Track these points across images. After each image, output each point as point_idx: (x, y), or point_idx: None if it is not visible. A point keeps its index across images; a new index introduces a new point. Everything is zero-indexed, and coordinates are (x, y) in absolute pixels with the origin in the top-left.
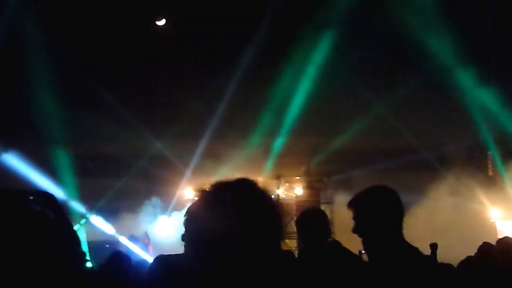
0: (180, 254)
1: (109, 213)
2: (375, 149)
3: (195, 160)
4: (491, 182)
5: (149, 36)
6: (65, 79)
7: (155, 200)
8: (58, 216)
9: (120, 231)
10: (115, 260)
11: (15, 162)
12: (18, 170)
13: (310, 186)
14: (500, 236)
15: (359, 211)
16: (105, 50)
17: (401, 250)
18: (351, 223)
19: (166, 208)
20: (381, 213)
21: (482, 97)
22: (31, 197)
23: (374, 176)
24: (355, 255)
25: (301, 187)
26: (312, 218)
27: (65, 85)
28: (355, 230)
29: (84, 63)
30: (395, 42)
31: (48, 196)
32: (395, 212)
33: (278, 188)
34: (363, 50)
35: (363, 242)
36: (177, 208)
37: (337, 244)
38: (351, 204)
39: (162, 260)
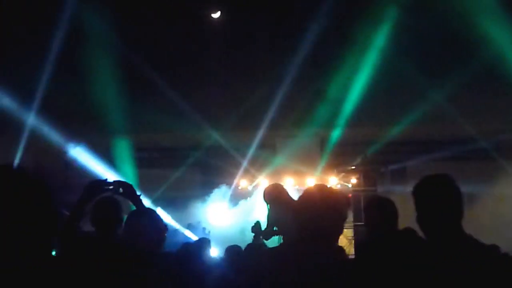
0: (251, 245)
1: (167, 203)
2: (432, 138)
3: (251, 150)
4: None
5: (206, 28)
6: (126, 70)
7: (222, 188)
8: (135, 204)
9: (177, 220)
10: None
11: (81, 154)
12: (82, 161)
13: (367, 176)
14: None
15: (419, 200)
16: (164, 42)
17: (462, 241)
18: (407, 214)
19: (221, 198)
20: (440, 202)
21: None
22: (110, 186)
23: (431, 165)
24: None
25: (357, 177)
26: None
27: (126, 77)
28: (418, 219)
29: (144, 54)
30: (453, 27)
31: (126, 185)
32: (455, 201)
33: (334, 178)
34: (421, 37)
35: (424, 233)
36: (234, 198)
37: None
38: (413, 193)
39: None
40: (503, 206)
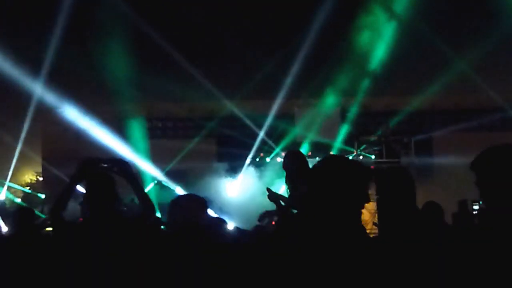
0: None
1: (180, 175)
2: (459, 108)
3: (268, 121)
4: None
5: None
6: (137, 38)
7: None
8: (131, 183)
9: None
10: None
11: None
12: (92, 133)
13: (389, 147)
14: None
15: (484, 174)
16: (176, 11)
17: None
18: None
19: (238, 170)
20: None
21: None
22: (105, 164)
23: (458, 136)
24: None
25: (380, 148)
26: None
27: (137, 47)
28: (481, 195)
29: (156, 23)
30: None
31: (121, 163)
32: None
33: (355, 149)
34: (446, 4)
35: (489, 210)
36: (251, 170)
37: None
38: (475, 166)
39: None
40: None
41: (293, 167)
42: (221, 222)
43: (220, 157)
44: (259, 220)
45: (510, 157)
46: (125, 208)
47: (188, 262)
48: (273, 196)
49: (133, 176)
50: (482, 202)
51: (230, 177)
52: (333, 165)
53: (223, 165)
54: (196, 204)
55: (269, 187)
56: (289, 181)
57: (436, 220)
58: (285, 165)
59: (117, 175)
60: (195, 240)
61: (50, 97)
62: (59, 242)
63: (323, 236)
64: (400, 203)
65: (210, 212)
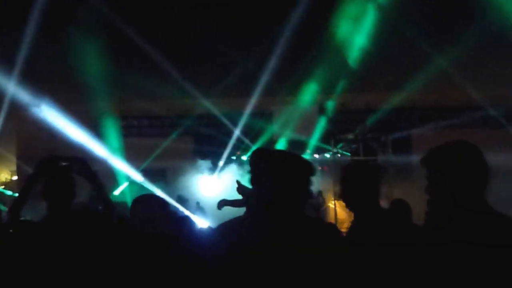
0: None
1: (157, 174)
2: (438, 105)
3: (245, 119)
4: None
5: None
6: (112, 34)
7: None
8: (91, 182)
9: (167, 192)
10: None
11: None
12: (64, 130)
13: (367, 145)
14: None
15: (435, 169)
16: (152, 6)
17: (483, 215)
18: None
19: (214, 168)
20: (463, 172)
21: None
22: (64, 163)
23: (436, 134)
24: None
25: (357, 146)
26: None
27: (113, 44)
28: (428, 190)
29: (131, 20)
30: None
31: (80, 162)
32: (480, 171)
33: (332, 146)
34: None
35: (434, 204)
36: (226, 167)
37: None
38: (425, 161)
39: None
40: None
41: (259, 165)
42: (184, 222)
43: (198, 155)
44: (218, 209)
45: (458, 154)
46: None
47: (142, 265)
48: (241, 188)
49: (92, 174)
50: (430, 197)
51: (208, 175)
52: (263, 157)
53: (202, 163)
54: (156, 204)
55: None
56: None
57: (401, 218)
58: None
59: (76, 174)
60: (152, 242)
61: (24, 95)
62: (16, 242)
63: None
64: (363, 201)
65: (186, 211)
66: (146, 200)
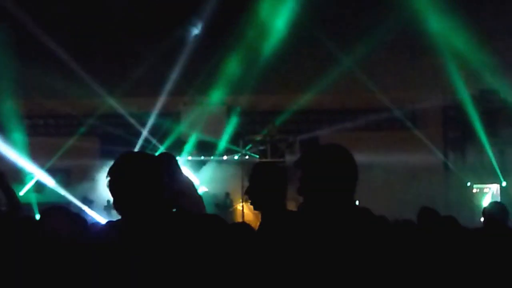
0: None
1: (61, 174)
2: (343, 108)
3: (152, 118)
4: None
5: None
6: (17, 35)
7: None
8: (5, 194)
9: (72, 192)
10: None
11: None
12: None
13: (274, 146)
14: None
15: (308, 170)
16: (58, 4)
17: (349, 212)
18: None
19: None
20: (333, 173)
21: (459, 47)
22: None
23: (343, 135)
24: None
25: (265, 147)
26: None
27: (17, 42)
28: (300, 191)
29: (36, 15)
30: None
31: None
32: (348, 172)
33: (240, 148)
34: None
35: (307, 203)
36: None
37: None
38: (299, 163)
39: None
40: (415, 173)
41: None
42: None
43: (104, 155)
44: None
45: (328, 156)
46: None
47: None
48: None
49: (6, 186)
50: (302, 197)
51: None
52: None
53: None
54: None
55: None
56: None
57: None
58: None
59: None
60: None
61: None
62: None
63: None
64: (268, 201)
65: (92, 213)
66: (55, 214)
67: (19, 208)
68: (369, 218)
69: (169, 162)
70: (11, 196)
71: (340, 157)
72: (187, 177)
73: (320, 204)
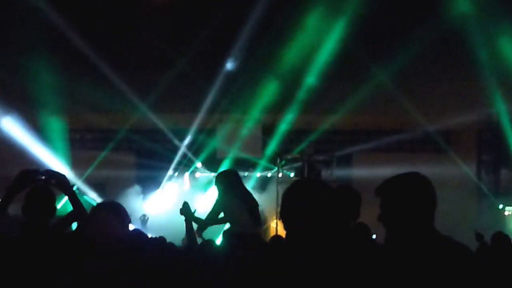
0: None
1: (97, 187)
2: (377, 128)
3: (190, 134)
4: None
5: (148, 6)
6: (62, 47)
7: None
8: (69, 195)
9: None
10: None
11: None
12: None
13: (311, 165)
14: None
15: (389, 199)
16: (103, 19)
17: (431, 240)
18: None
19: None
20: (414, 202)
21: (497, 68)
22: (43, 176)
23: (377, 155)
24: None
25: (301, 165)
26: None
27: (62, 54)
28: (381, 218)
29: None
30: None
31: (58, 176)
32: (429, 200)
33: (276, 166)
34: (365, 23)
35: (390, 231)
36: (170, 184)
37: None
38: (379, 191)
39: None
40: (447, 195)
41: (222, 186)
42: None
43: (139, 169)
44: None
45: (410, 185)
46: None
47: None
48: (184, 211)
49: (70, 188)
50: (383, 224)
51: (151, 191)
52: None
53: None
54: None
55: (187, 201)
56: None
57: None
58: (216, 183)
59: (55, 188)
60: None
61: None
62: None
63: None
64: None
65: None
66: (105, 207)
67: (85, 217)
68: (455, 247)
69: (230, 177)
70: (82, 213)
71: (420, 185)
72: None
73: (405, 234)
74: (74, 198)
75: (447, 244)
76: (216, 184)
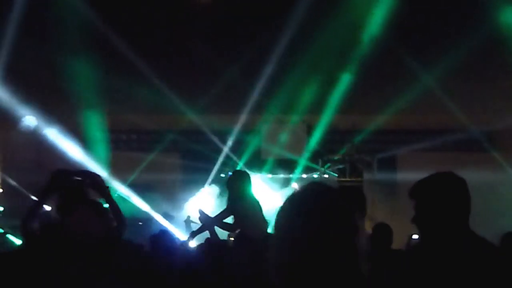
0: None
1: (142, 189)
2: (421, 127)
3: (233, 135)
4: None
5: (190, 7)
6: (103, 47)
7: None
8: (104, 196)
9: (154, 208)
10: (161, 239)
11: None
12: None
13: (353, 165)
14: None
15: (422, 200)
16: (145, 19)
17: (467, 241)
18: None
19: (201, 185)
20: (449, 202)
21: None
22: (78, 177)
23: (420, 155)
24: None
25: (344, 166)
26: None
27: (103, 54)
28: (416, 220)
29: (123, 31)
30: (441, 12)
31: (93, 176)
32: (464, 201)
33: (319, 166)
34: (410, 22)
35: (424, 233)
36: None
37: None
38: (413, 192)
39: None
40: (494, 196)
41: (235, 187)
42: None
43: (185, 171)
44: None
45: (444, 186)
46: None
47: None
48: (203, 218)
49: (105, 189)
50: (417, 226)
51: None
52: None
53: (187, 178)
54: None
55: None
56: (229, 201)
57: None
58: (228, 185)
59: (90, 189)
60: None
61: (9, 105)
62: (30, 257)
63: None
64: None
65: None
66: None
67: (126, 226)
68: (489, 248)
69: (243, 179)
70: (118, 214)
71: (454, 185)
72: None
73: (440, 236)
74: (110, 199)
75: (482, 246)
76: (231, 185)
